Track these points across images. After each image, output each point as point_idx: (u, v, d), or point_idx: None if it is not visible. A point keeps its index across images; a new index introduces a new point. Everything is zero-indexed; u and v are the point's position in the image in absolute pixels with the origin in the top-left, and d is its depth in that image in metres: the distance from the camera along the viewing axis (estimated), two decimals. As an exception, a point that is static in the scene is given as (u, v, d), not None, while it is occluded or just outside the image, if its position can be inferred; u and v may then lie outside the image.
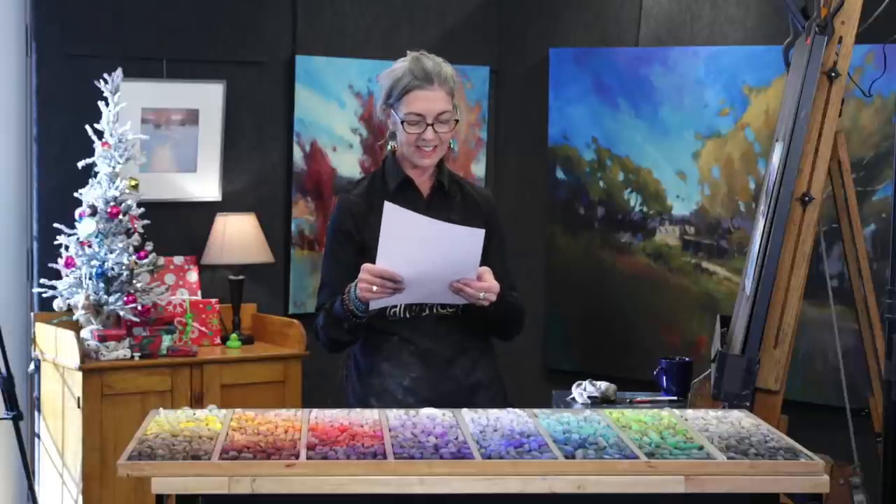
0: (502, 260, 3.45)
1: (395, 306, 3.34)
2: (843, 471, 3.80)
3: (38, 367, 4.92)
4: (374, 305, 3.23)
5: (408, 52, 3.41)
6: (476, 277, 3.20)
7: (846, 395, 3.91)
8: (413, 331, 3.36)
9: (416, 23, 5.75)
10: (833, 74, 3.67)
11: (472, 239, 3.14)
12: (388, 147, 3.45)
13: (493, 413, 2.98)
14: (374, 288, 3.16)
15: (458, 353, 3.38)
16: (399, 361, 3.36)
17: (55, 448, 4.84)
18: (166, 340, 4.83)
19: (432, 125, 3.32)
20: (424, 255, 3.13)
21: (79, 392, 4.63)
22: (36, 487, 4.77)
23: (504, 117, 5.95)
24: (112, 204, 4.79)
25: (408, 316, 3.36)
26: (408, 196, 3.38)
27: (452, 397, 3.27)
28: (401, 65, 3.37)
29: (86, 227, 4.79)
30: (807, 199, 3.66)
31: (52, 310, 4.87)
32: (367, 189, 3.44)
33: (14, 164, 5.06)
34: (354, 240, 3.37)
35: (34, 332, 4.94)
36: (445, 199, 3.42)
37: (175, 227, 5.24)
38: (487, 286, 3.22)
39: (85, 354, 4.66)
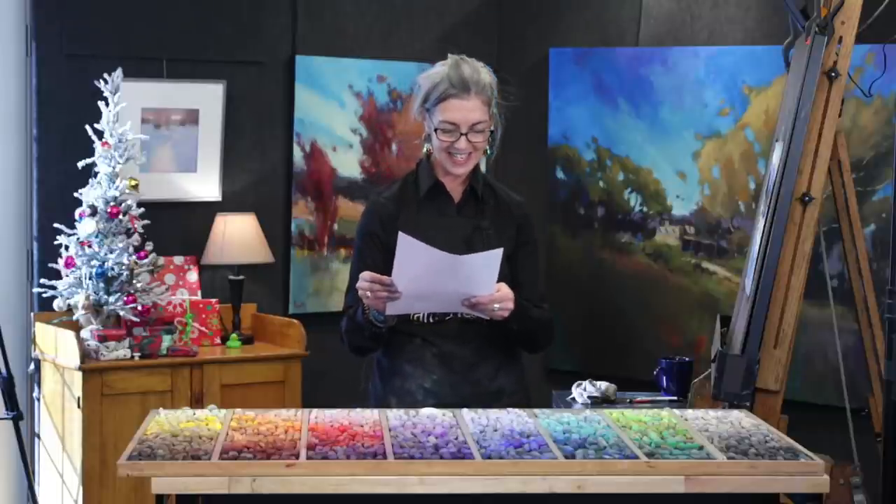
0: (533, 270, 3.43)
1: (418, 313, 3.33)
2: (843, 471, 3.80)
3: (38, 367, 4.93)
4: (390, 312, 3.21)
5: (449, 55, 3.35)
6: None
7: (846, 395, 3.91)
8: (436, 334, 3.33)
9: (416, 23, 5.75)
10: (833, 74, 3.67)
11: (489, 261, 3.12)
12: (424, 150, 3.40)
13: (493, 413, 2.98)
14: (369, 294, 3.16)
15: (481, 358, 3.35)
16: (421, 363, 3.34)
17: (55, 448, 4.84)
18: (166, 340, 4.83)
19: (466, 135, 3.28)
20: (439, 281, 3.12)
21: (79, 392, 4.63)
22: (36, 487, 4.77)
23: (504, 117, 5.93)
24: (112, 204, 4.79)
25: (431, 321, 3.33)
26: (438, 201, 3.37)
27: (473, 402, 3.21)
28: (440, 69, 3.32)
29: (86, 227, 4.79)
30: (807, 199, 3.66)
31: (52, 310, 4.87)
32: (399, 191, 3.41)
33: (14, 164, 5.06)
34: (381, 242, 3.34)
35: (34, 332, 4.94)
36: (476, 204, 3.39)
37: (175, 227, 5.24)
38: (500, 296, 3.19)
39: (85, 354, 4.66)
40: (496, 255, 3.12)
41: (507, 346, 3.40)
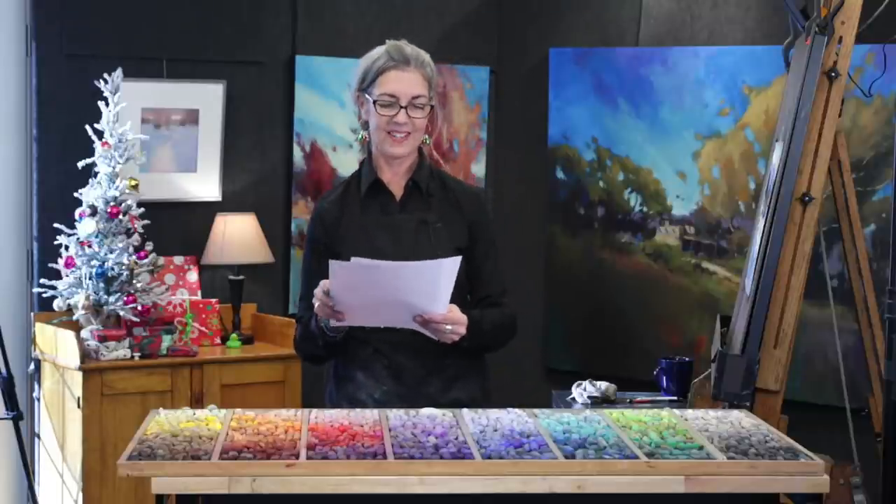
0: (492, 263, 3.32)
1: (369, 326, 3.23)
2: (843, 471, 3.80)
3: (38, 367, 4.93)
4: (334, 325, 3.13)
5: (387, 40, 3.30)
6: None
7: (846, 395, 3.91)
8: (388, 343, 3.24)
9: (416, 23, 5.75)
10: (833, 74, 3.67)
11: (441, 271, 2.98)
12: (359, 137, 3.32)
13: (494, 413, 2.97)
14: (317, 304, 3.08)
15: (433, 371, 3.25)
16: (372, 373, 3.26)
17: (55, 448, 4.84)
18: (166, 340, 4.83)
19: (405, 108, 3.19)
20: (385, 292, 3.00)
21: (79, 392, 4.63)
22: (36, 487, 4.77)
23: (504, 117, 5.95)
24: (112, 204, 4.79)
25: (384, 326, 3.21)
26: (379, 198, 3.27)
27: None
28: (378, 49, 3.26)
29: (86, 227, 4.79)
30: (807, 199, 3.66)
31: (52, 310, 4.87)
32: (342, 194, 3.32)
33: (14, 164, 5.06)
34: (326, 248, 3.25)
35: (34, 332, 4.94)
36: (421, 198, 3.28)
37: (175, 227, 5.25)
38: (453, 318, 3.08)
39: (85, 354, 4.66)
40: (452, 263, 2.97)
41: (466, 356, 3.29)
